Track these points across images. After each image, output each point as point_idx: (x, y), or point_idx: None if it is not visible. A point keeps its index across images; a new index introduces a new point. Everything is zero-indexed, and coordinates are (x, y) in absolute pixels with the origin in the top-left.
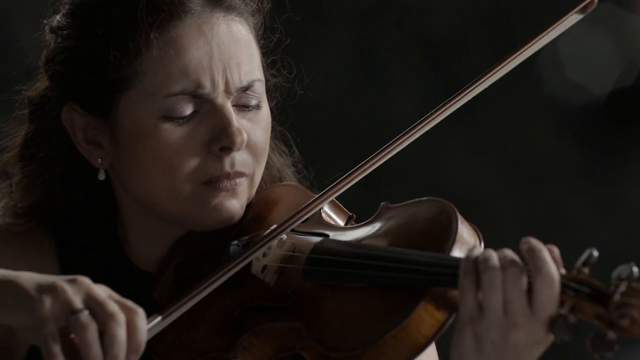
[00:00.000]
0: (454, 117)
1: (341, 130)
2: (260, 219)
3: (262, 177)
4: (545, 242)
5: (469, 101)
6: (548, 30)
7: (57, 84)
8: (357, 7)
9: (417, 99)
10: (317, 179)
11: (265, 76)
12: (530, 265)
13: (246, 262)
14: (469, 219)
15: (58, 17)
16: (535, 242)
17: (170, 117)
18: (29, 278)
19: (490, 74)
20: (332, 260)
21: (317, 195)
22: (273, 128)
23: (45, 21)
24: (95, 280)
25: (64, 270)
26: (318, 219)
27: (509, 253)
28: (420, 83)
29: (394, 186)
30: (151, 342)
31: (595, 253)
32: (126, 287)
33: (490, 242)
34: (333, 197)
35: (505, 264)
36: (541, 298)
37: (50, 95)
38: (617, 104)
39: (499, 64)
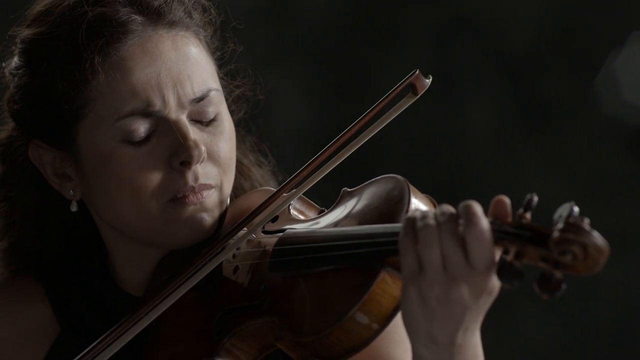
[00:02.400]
0: (532, 132)
1: (418, 148)
2: (232, 227)
3: (244, 189)
4: (621, 258)
5: (543, 117)
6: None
7: (19, 122)
8: (432, 25)
9: (493, 117)
10: None
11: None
12: (462, 219)
13: (214, 260)
14: None
15: (15, 58)
16: (469, 201)
17: (127, 139)
18: None
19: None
20: (293, 248)
21: (274, 192)
22: (243, 138)
23: (4, 64)
24: (87, 309)
25: (55, 305)
26: (287, 217)
27: (447, 209)
28: (497, 101)
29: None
30: (141, 357)
31: (535, 198)
32: (118, 314)
33: None
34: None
35: (441, 220)
36: (475, 251)
37: (16, 135)
38: None
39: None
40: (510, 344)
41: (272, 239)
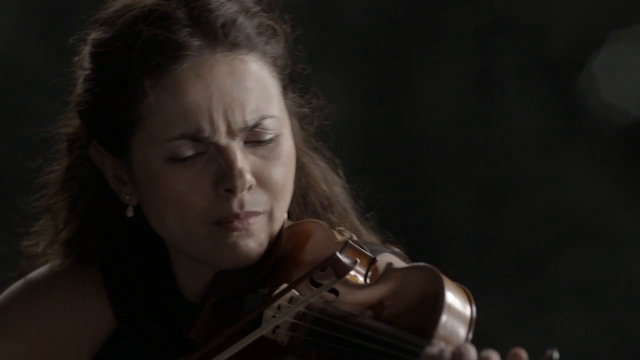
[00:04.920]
0: (574, 133)
1: (460, 150)
2: (289, 260)
3: (312, 205)
4: None
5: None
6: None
7: (82, 121)
8: (472, 25)
9: (534, 117)
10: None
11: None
12: None
13: (256, 335)
14: (588, 241)
15: (86, 57)
16: (488, 352)
17: (175, 159)
18: None
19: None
20: (327, 334)
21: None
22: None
23: (76, 57)
24: (146, 308)
25: (113, 300)
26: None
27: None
28: (538, 101)
29: (513, 205)
30: None
31: (556, 354)
32: (176, 320)
33: (609, 265)
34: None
35: None
36: None
37: (80, 133)
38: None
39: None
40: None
41: (312, 307)
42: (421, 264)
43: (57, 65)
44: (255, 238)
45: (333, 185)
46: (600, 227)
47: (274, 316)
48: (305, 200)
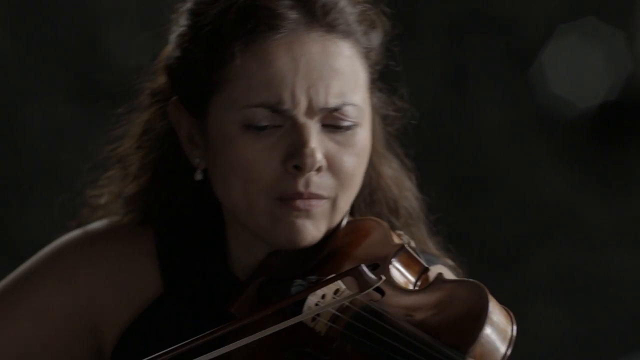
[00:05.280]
0: (545, 128)
1: (433, 145)
2: (342, 254)
3: (379, 205)
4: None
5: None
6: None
7: (168, 77)
8: (446, 20)
9: (506, 112)
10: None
11: (373, 101)
12: None
13: (296, 320)
14: (560, 234)
15: (184, 14)
16: None
17: (250, 127)
18: None
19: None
20: (366, 331)
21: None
22: (400, 157)
23: (173, 15)
24: (194, 278)
25: (163, 265)
26: (386, 271)
27: None
28: (509, 96)
29: (486, 200)
30: None
31: None
32: (222, 295)
33: (582, 257)
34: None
35: None
36: None
37: (165, 89)
38: (605, 118)
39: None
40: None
41: (355, 302)
42: (471, 280)
43: None
44: (314, 221)
45: (403, 190)
46: (572, 220)
47: (317, 304)
48: (372, 199)
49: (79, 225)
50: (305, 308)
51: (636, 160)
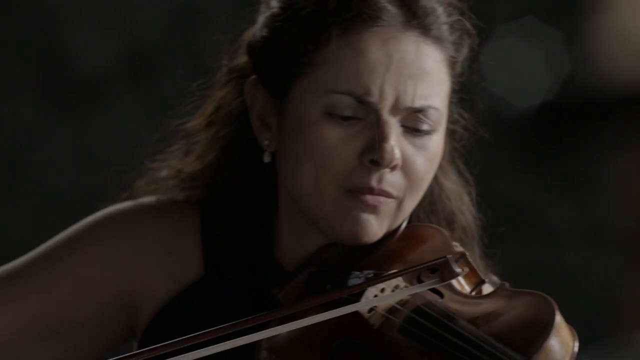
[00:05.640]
0: (497, 129)
1: None
2: (396, 256)
3: (437, 216)
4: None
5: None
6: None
7: (250, 57)
8: None
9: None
10: None
11: (450, 114)
12: None
13: (354, 309)
14: (520, 233)
15: None
16: None
17: (333, 114)
18: None
19: None
20: (428, 328)
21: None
22: (461, 174)
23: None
24: (237, 265)
25: (206, 247)
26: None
27: None
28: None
29: None
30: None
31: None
32: (263, 282)
33: (543, 255)
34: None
35: None
36: None
37: (243, 68)
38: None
39: None
40: None
41: (414, 299)
42: (539, 292)
43: None
44: (378, 218)
45: (462, 206)
46: (532, 219)
47: (375, 296)
48: (431, 209)
49: (129, 198)
50: (363, 299)
51: (577, 158)
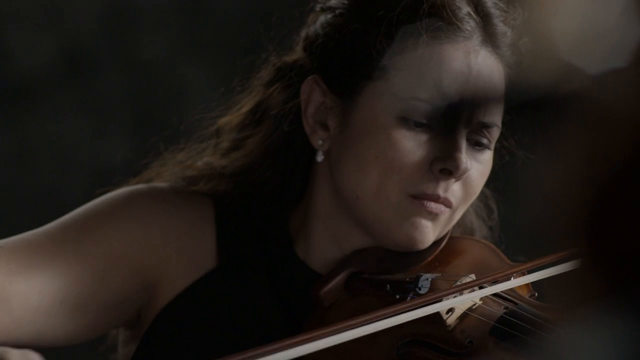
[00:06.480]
0: None
1: None
2: (442, 264)
3: (461, 229)
4: None
5: None
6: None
7: (311, 55)
8: None
9: None
10: None
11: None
12: None
13: (435, 309)
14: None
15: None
16: None
17: (408, 120)
18: None
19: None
20: (523, 326)
21: (516, 267)
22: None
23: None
24: (253, 257)
25: (220, 238)
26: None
27: None
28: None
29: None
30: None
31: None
32: (288, 280)
33: None
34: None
35: None
36: None
37: (298, 67)
38: None
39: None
40: None
41: (495, 303)
42: None
43: None
44: (434, 226)
45: (480, 223)
46: None
47: (454, 297)
48: (459, 223)
49: (143, 181)
50: (444, 299)
51: None
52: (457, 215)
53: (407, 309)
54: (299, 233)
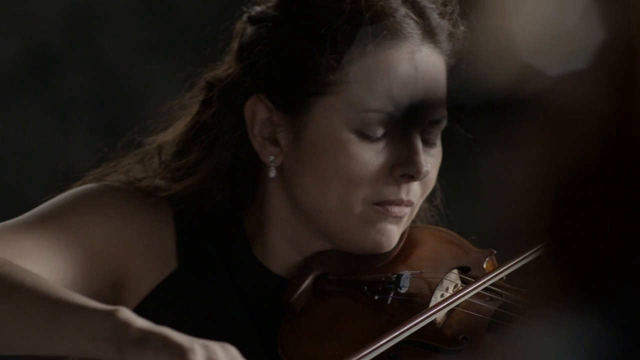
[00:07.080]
0: None
1: None
2: (406, 257)
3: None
4: None
5: None
6: None
7: (249, 73)
8: None
9: None
10: None
11: None
12: None
13: (444, 310)
14: None
15: (258, 8)
16: None
17: (363, 132)
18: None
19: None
20: (517, 318)
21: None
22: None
23: (244, 8)
24: (213, 260)
25: (180, 241)
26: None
27: None
28: None
29: None
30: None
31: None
32: (250, 282)
33: None
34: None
35: None
36: None
37: (236, 83)
38: None
39: None
40: None
41: (484, 296)
42: None
43: None
44: (399, 227)
45: (426, 205)
46: None
47: (441, 296)
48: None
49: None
50: (435, 299)
51: (444, 162)
52: (417, 209)
53: (425, 318)
54: (255, 236)
